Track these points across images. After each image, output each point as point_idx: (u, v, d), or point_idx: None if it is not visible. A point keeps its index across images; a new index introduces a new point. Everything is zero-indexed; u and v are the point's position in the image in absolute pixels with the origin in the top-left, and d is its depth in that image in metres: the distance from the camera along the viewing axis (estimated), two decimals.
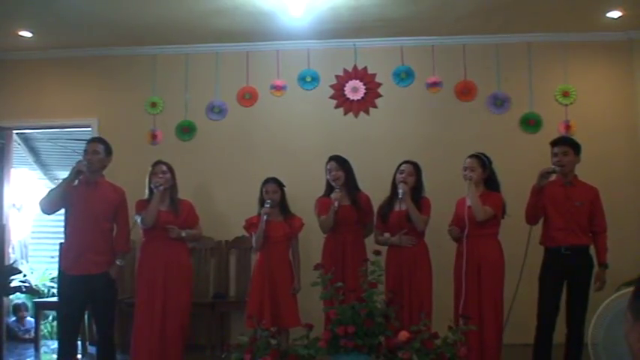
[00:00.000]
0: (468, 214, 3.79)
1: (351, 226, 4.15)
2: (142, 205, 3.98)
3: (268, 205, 4.08)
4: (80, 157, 3.98)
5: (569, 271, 3.77)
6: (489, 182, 3.91)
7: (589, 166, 4.10)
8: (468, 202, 3.83)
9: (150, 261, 3.97)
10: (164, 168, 4.04)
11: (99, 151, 3.83)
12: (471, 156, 3.92)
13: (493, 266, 3.77)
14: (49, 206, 3.79)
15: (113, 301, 3.95)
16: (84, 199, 3.77)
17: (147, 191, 4.04)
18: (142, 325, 3.90)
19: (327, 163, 4.23)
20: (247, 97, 5.52)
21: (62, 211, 3.88)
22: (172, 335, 3.91)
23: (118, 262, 3.87)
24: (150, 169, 4.06)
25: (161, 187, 3.94)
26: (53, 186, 7.13)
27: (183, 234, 4.01)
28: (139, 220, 3.96)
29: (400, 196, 3.90)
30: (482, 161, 3.88)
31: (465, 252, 3.81)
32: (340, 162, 4.21)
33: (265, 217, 4.04)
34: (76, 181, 3.76)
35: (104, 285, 3.78)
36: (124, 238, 3.95)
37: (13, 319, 6.00)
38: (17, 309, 6.05)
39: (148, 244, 4.02)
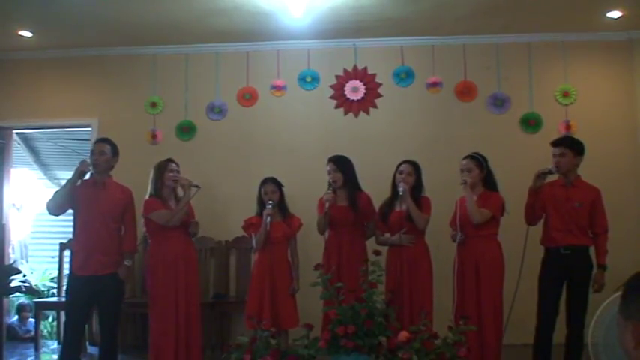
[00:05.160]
0: (463, 217, 3.79)
1: (348, 226, 4.12)
2: (156, 204, 3.95)
3: (270, 207, 4.06)
4: (82, 157, 3.99)
5: (568, 271, 3.76)
6: (487, 182, 3.90)
7: (589, 166, 4.09)
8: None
9: (166, 259, 3.93)
10: (176, 167, 4.07)
11: (106, 151, 3.83)
12: (467, 157, 3.91)
13: (491, 267, 3.76)
14: (55, 208, 3.79)
15: (120, 302, 3.95)
16: (92, 200, 3.78)
17: (150, 188, 4.02)
18: (165, 323, 3.87)
19: (327, 164, 4.20)
20: (247, 97, 5.52)
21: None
22: (195, 332, 3.94)
23: (126, 263, 3.87)
24: (160, 164, 4.05)
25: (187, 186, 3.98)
26: (53, 186, 7.18)
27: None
28: (160, 219, 3.90)
29: (401, 194, 3.87)
30: (479, 161, 3.86)
31: (461, 253, 3.82)
32: (339, 163, 4.15)
33: (269, 220, 4.02)
34: (79, 181, 3.76)
35: (112, 286, 3.79)
36: (132, 239, 3.96)
37: (16, 318, 6.00)
38: (21, 309, 6.04)
39: (160, 243, 3.98)
